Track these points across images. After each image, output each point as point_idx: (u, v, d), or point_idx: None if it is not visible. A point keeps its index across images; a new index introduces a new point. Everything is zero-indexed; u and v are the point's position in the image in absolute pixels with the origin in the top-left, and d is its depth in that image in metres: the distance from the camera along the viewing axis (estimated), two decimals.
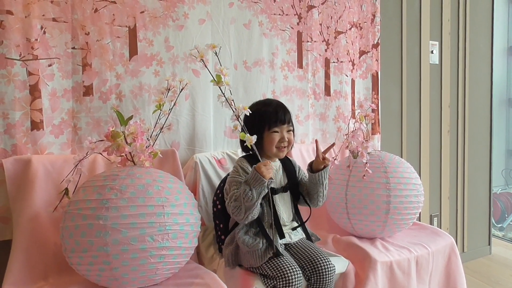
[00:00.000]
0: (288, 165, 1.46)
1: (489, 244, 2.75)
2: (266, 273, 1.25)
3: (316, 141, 1.39)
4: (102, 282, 1.10)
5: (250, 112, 1.25)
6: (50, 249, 1.22)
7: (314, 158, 1.49)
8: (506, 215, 3.50)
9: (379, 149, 2.12)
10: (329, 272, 1.29)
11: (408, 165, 1.63)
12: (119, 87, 1.46)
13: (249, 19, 1.72)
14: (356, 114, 1.62)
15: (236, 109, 1.19)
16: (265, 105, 1.39)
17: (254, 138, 1.18)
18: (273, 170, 1.38)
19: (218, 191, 1.50)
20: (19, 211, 1.23)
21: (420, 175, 2.35)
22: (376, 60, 2.08)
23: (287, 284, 1.20)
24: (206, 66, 1.16)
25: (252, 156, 1.37)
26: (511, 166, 4.06)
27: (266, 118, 1.33)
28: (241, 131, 1.19)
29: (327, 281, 1.28)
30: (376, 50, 2.07)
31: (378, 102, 2.10)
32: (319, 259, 1.30)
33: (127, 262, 1.05)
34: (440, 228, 2.46)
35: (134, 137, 1.11)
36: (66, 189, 1.21)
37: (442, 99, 2.40)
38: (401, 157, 2.27)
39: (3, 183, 1.26)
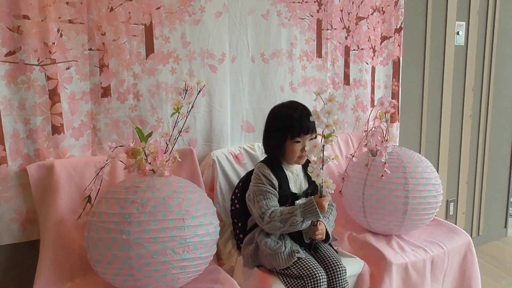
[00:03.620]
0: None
1: (505, 227, 2.75)
2: (291, 273, 1.28)
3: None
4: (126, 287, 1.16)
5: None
6: (75, 252, 1.27)
7: (330, 152, 1.52)
8: None
9: (397, 136, 2.09)
10: (341, 274, 1.32)
11: (427, 164, 1.61)
12: (137, 86, 1.45)
13: (267, 9, 1.66)
14: (376, 112, 1.59)
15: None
16: (290, 109, 1.37)
17: (334, 185, 1.18)
18: (293, 176, 1.39)
19: (236, 190, 1.52)
20: (45, 215, 1.27)
21: (438, 161, 2.32)
22: (398, 45, 2.00)
23: (316, 283, 1.24)
24: None
25: (272, 160, 1.38)
26: None
27: (290, 125, 1.32)
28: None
29: (339, 282, 1.32)
30: (399, 34, 1.99)
31: (398, 89, 2.04)
32: (332, 262, 1.34)
33: (150, 274, 1.09)
34: (456, 213, 2.47)
35: (154, 156, 1.11)
36: (89, 196, 1.24)
37: (465, 82, 2.32)
38: (420, 143, 2.24)
39: (28, 187, 1.29)
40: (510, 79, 2.48)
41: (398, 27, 1.98)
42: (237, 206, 1.50)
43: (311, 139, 1.37)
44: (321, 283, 1.23)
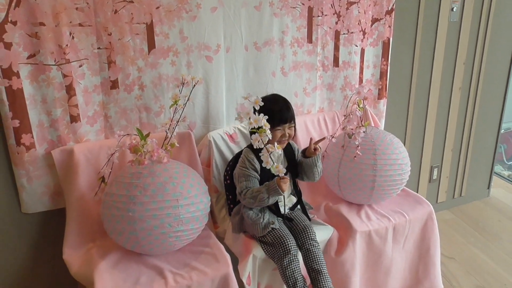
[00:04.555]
0: (288, 150, 1.70)
1: (488, 188, 2.96)
2: (266, 240, 1.57)
3: (311, 138, 1.62)
4: (135, 250, 1.47)
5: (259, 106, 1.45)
6: (95, 220, 1.58)
7: (317, 130, 1.79)
8: None
9: (384, 111, 2.26)
10: (311, 238, 1.59)
11: (398, 146, 1.81)
12: (141, 79, 1.67)
13: (260, 1, 1.79)
14: (355, 98, 1.77)
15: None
16: (271, 103, 1.57)
17: (284, 170, 1.40)
18: (274, 158, 1.63)
19: (228, 168, 1.77)
20: (69, 191, 1.57)
21: (424, 129, 2.50)
22: (389, 26, 2.11)
23: (286, 251, 1.52)
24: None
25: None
26: None
27: (271, 117, 1.53)
28: (272, 163, 1.39)
29: (310, 245, 1.60)
30: (390, 16, 2.09)
31: (387, 68, 2.18)
32: (304, 228, 1.61)
33: (152, 242, 1.40)
34: (440, 177, 2.69)
35: (151, 154, 1.36)
36: (103, 177, 1.52)
37: (457, 56, 2.42)
38: (407, 114, 2.41)
39: (54, 167, 1.58)
40: (502, 53, 2.56)
41: (389, 9, 2.08)
42: (228, 181, 1.76)
43: (290, 127, 1.60)
44: (290, 252, 1.51)
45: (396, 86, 2.30)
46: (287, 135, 1.59)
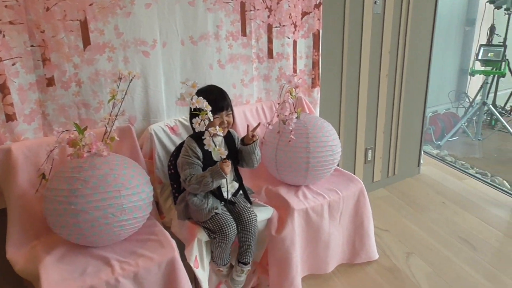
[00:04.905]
0: (228, 138, 1.79)
1: (418, 166, 3.23)
2: (208, 226, 1.67)
3: (248, 125, 1.73)
4: (80, 242, 1.50)
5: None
6: (37, 216, 1.59)
7: (256, 118, 1.93)
8: (445, 134, 3.95)
9: (318, 99, 2.42)
10: (251, 220, 1.71)
11: (328, 129, 1.96)
12: (78, 75, 1.69)
13: None
14: (285, 87, 1.89)
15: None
16: (206, 93, 1.65)
17: (226, 152, 1.50)
18: (216, 145, 1.72)
19: (171, 158, 1.84)
20: (9, 190, 1.57)
21: (357, 115, 2.69)
22: (318, 19, 2.25)
23: (224, 237, 1.62)
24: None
25: (198, 135, 1.69)
26: (459, 88, 4.40)
27: None
28: (214, 146, 1.49)
29: (249, 227, 1.71)
30: (318, 9, 2.24)
31: (318, 58, 2.33)
32: (245, 211, 1.72)
33: (96, 233, 1.44)
34: (374, 158, 2.90)
35: (89, 147, 1.41)
36: (43, 174, 1.53)
37: (382, 46, 2.62)
38: (340, 101, 2.58)
39: None
40: (423, 43, 2.80)
41: (317, 3, 2.22)
42: (172, 171, 1.83)
43: (228, 115, 1.69)
44: (229, 238, 1.62)
45: (329, 75, 2.46)
46: (226, 122, 1.69)
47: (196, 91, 1.52)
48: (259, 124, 1.78)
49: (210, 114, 1.46)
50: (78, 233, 1.44)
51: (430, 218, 2.60)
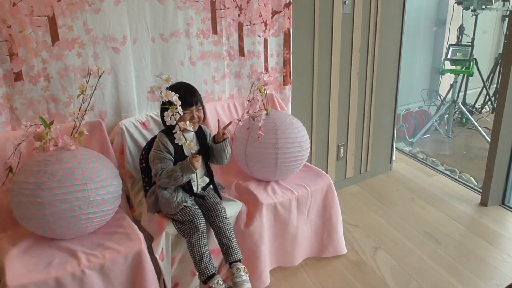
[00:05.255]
0: (200, 134, 1.83)
1: (390, 163, 3.32)
2: (178, 218, 1.70)
3: (218, 120, 1.77)
4: (47, 235, 1.52)
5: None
6: (4, 210, 1.60)
7: (228, 114, 1.96)
8: (418, 131, 4.06)
9: (290, 96, 2.47)
10: (221, 214, 1.74)
11: (297, 125, 2.01)
12: (46, 70, 1.70)
13: None
14: (255, 85, 1.94)
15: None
16: (176, 89, 1.68)
17: (196, 148, 1.56)
18: (187, 141, 1.75)
19: (143, 152, 1.86)
20: None
21: (329, 112, 2.75)
22: (288, 18, 2.30)
23: (194, 226, 1.65)
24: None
25: (169, 130, 1.71)
26: (431, 86, 4.52)
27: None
28: (184, 140, 1.53)
29: (220, 220, 1.75)
30: (288, 9, 2.29)
31: (289, 56, 2.39)
32: (214, 205, 1.76)
33: (63, 225, 1.46)
34: (346, 154, 2.97)
35: (56, 140, 1.43)
36: (10, 167, 1.55)
37: (353, 45, 2.69)
38: (312, 98, 2.64)
39: None
40: (392, 42, 2.89)
41: (287, 2, 2.27)
42: (144, 165, 1.85)
43: (198, 110, 1.73)
44: (199, 229, 1.64)
45: (300, 72, 2.51)
46: (196, 117, 1.72)
47: (168, 85, 1.55)
48: (230, 122, 1.82)
49: (180, 108, 1.49)
50: (44, 226, 1.46)
51: (398, 213, 2.68)
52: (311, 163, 2.72)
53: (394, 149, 3.32)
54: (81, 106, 1.64)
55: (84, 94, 1.63)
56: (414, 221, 2.57)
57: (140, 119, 1.97)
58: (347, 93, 2.80)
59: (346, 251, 2.25)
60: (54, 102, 1.75)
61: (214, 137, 1.81)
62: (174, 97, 1.49)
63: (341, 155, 2.94)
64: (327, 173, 2.85)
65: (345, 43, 2.64)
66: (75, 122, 1.62)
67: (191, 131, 1.56)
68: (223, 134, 1.77)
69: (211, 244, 1.75)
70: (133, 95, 1.93)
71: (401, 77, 3.17)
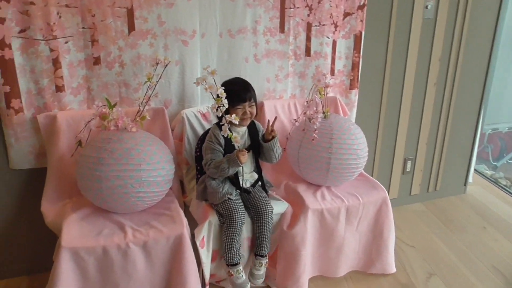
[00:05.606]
0: (252, 129, 1.86)
1: (465, 185, 3.06)
2: (219, 210, 1.75)
3: (268, 121, 1.79)
4: (102, 206, 1.67)
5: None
6: (72, 179, 1.77)
7: (287, 114, 2.04)
8: (505, 154, 3.68)
9: (356, 101, 2.39)
10: (267, 212, 1.77)
11: (355, 132, 1.95)
12: (121, 57, 1.85)
13: None
14: (315, 87, 1.92)
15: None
16: (231, 85, 1.75)
17: (241, 141, 1.64)
18: (238, 136, 1.80)
19: (199, 142, 1.94)
20: (51, 152, 1.77)
21: (398, 123, 2.62)
22: (361, 20, 2.23)
23: (231, 222, 1.70)
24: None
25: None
26: None
27: (230, 97, 1.70)
28: (230, 133, 1.59)
29: (264, 218, 1.77)
30: (362, 11, 2.22)
31: (359, 59, 2.31)
32: (261, 202, 1.78)
33: (116, 200, 1.59)
34: (414, 169, 2.81)
35: (116, 121, 1.55)
36: (80, 141, 1.71)
37: (432, 53, 2.52)
38: (380, 105, 2.53)
39: (39, 130, 1.78)
40: (479, 52, 2.65)
41: (361, 4, 2.20)
42: (198, 153, 1.94)
43: (251, 105, 1.76)
44: (236, 224, 1.68)
45: (369, 78, 2.42)
46: (248, 113, 1.76)
47: (213, 78, 1.60)
48: (275, 118, 1.82)
49: (225, 101, 1.53)
50: (100, 198, 1.60)
51: (464, 241, 2.45)
52: (372, 174, 2.63)
53: (472, 171, 3.05)
54: (146, 92, 1.76)
55: (150, 82, 1.75)
56: (482, 253, 2.34)
57: (202, 110, 2.05)
58: (420, 104, 2.64)
59: (395, 270, 2.13)
60: (125, 86, 1.90)
61: (263, 136, 1.83)
62: (220, 90, 1.53)
63: (408, 169, 2.78)
64: (389, 187, 2.76)
65: (423, 50, 2.49)
66: (139, 106, 1.75)
67: (236, 124, 1.59)
68: (271, 132, 1.78)
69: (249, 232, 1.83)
70: (197, 87, 2.02)
71: (491, 93, 2.90)
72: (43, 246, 1.95)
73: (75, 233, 1.54)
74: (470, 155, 2.96)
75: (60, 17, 1.71)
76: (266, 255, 1.83)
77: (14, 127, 1.75)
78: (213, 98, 1.57)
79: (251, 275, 1.83)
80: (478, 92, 2.78)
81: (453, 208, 2.87)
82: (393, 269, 2.11)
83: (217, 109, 1.55)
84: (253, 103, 1.78)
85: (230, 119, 1.55)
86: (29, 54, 1.70)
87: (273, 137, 1.78)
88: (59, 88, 1.79)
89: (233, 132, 1.63)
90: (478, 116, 2.86)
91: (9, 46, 1.65)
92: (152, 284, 1.62)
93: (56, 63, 1.75)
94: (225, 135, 1.58)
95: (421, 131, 2.71)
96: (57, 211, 1.72)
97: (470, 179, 3.17)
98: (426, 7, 2.38)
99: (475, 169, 3.41)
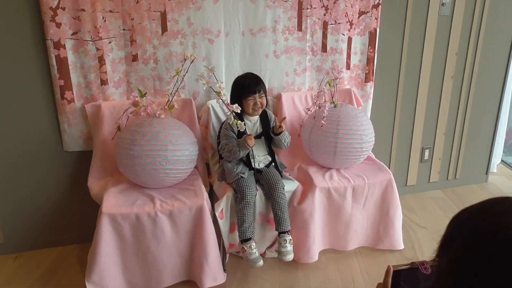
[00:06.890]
0: (264, 118, 2.10)
1: (486, 174, 3.11)
2: (234, 187, 2.01)
3: (275, 117, 2.04)
4: (136, 182, 1.97)
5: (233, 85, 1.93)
6: (113, 159, 2.09)
7: (303, 104, 2.27)
8: None
9: (371, 93, 2.55)
10: (279, 188, 1.99)
11: (362, 120, 2.13)
12: (155, 54, 2.15)
13: None
14: (325, 78, 2.11)
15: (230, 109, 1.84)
16: (242, 79, 2.00)
17: (244, 126, 1.85)
18: (251, 124, 2.04)
19: (219, 131, 2.21)
20: (96, 136, 2.11)
21: (415, 113, 2.74)
22: (376, 18, 2.39)
23: (242, 197, 1.94)
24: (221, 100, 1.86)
25: (238, 114, 2.03)
26: None
27: (242, 90, 1.95)
28: (234, 119, 1.85)
29: (277, 194, 2.00)
30: (377, 9, 2.37)
31: (374, 54, 2.47)
32: (273, 180, 2.01)
33: (146, 175, 1.89)
34: (432, 158, 2.92)
35: (145, 108, 1.85)
36: (119, 126, 2.03)
37: (448, 48, 2.62)
38: (396, 97, 2.66)
39: (87, 117, 2.12)
40: (499, 46, 2.70)
41: (376, 3, 2.36)
42: (219, 141, 2.20)
43: (260, 97, 2.01)
44: (245, 199, 1.91)
45: (385, 71, 2.57)
46: (259, 103, 2.00)
47: (212, 74, 1.92)
48: (284, 118, 2.05)
49: (223, 94, 1.81)
50: (134, 174, 1.91)
51: None
52: (389, 161, 2.78)
53: (493, 160, 3.10)
54: (175, 84, 2.05)
55: (178, 75, 2.03)
56: None
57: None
58: (437, 96, 2.74)
59: (403, 247, 2.28)
60: (159, 80, 2.20)
61: (273, 129, 2.05)
62: (218, 85, 1.79)
63: (426, 157, 2.89)
64: (407, 174, 2.89)
65: (439, 46, 2.59)
66: (169, 97, 2.04)
67: (236, 111, 1.83)
68: (280, 127, 2.00)
69: (269, 214, 2.04)
70: (222, 80, 2.28)
71: None
72: (91, 219, 2.28)
73: (114, 202, 1.86)
74: (491, 145, 3.01)
75: (105, 21, 2.03)
76: (287, 231, 1.98)
77: (67, 115, 2.10)
78: (214, 91, 1.83)
79: (279, 254, 1.95)
80: (499, 84, 2.83)
81: (472, 195, 2.94)
82: (401, 245, 2.27)
83: (219, 101, 1.81)
84: (263, 95, 2.02)
85: (232, 109, 1.80)
86: (79, 53, 2.04)
87: (280, 132, 2.00)
88: (103, 82, 2.11)
89: (245, 120, 1.88)
90: (499, 109, 2.91)
91: (64, 47, 2.00)
92: (178, 248, 1.90)
93: (101, 60, 2.07)
94: (230, 122, 1.83)
95: (438, 122, 2.81)
96: (100, 186, 2.05)
97: (495, 169, 3.22)
98: (443, 4, 2.49)
99: (503, 161, 3.44)
